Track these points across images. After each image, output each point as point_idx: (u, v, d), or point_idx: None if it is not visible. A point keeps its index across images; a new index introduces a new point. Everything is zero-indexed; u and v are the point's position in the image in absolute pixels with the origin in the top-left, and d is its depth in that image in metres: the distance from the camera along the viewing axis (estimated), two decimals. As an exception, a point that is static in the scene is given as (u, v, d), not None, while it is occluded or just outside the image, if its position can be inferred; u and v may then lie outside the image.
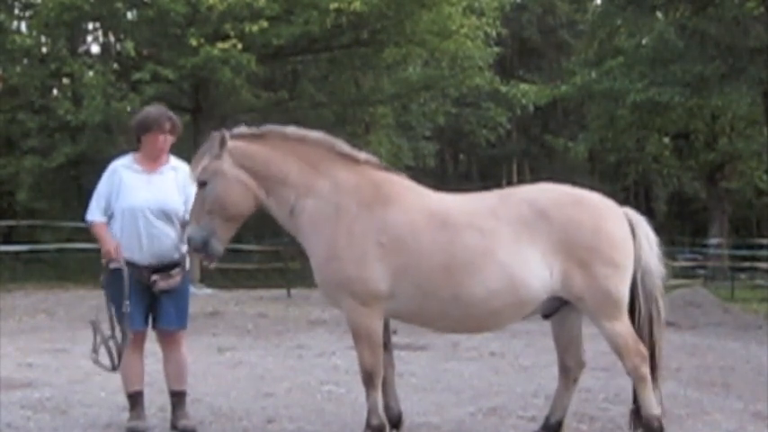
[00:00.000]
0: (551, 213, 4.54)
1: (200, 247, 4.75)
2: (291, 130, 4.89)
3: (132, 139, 5.38)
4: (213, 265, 5.02)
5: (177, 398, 5.33)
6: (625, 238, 4.63)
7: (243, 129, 4.89)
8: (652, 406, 4.60)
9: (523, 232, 4.52)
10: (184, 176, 5.21)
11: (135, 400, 5.24)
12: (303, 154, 4.79)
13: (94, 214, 5.16)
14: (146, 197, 5.06)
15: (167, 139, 5.18)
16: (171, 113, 5.28)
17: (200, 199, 4.77)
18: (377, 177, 4.79)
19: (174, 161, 5.32)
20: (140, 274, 5.04)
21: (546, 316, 4.82)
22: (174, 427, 5.26)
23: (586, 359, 5.00)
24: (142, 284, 5.05)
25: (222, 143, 4.74)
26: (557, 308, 4.72)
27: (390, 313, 4.72)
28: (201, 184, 4.75)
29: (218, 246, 4.73)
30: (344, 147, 4.87)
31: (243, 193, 4.76)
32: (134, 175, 5.16)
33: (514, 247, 4.50)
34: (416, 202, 4.71)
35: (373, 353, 4.67)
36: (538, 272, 4.49)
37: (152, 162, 5.21)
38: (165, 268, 5.10)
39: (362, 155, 4.87)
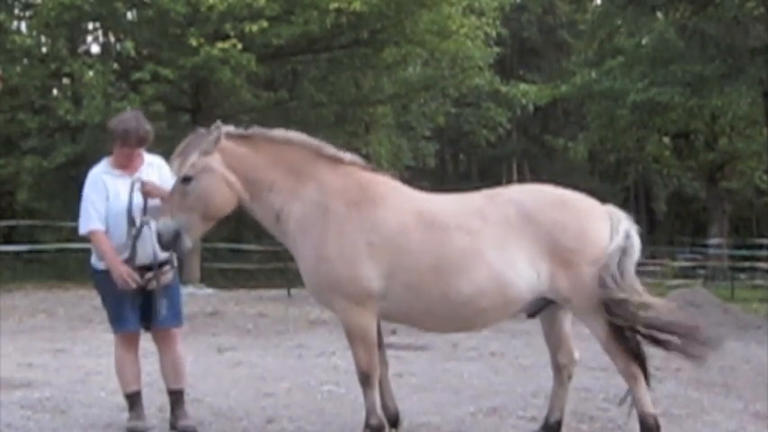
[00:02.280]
0: (537, 216, 4.57)
1: (171, 242, 4.70)
2: (277, 133, 4.88)
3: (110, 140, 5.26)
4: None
5: (176, 397, 5.32)
6: (609, 237, 4.64)
7: (231, 128, 4.86)
8: (647, 404, 4.61)
9: (510, 234, 4.55)
10: (160, 170, 5.18)
11: (133, 400, 5.23)
12: (288, 158, 4.79)
13: (93, 223, 5.03)
14: (132, 200, 5.02)
15: (134, 152, 5.11)
16: (141, 126, 5.08)
17: (180, 193, 4.70)
18: (363, 178, 4.80)
19: (148, 157, 5.26)
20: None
21: (531, 315, 4.86)
22: (173, 427, 5.26)
23: (585, 359, 5.01)
24: (136, 285, 5.01)
25: (217, 141, 4.72)
26: (541, 307, 4.76)
27: (380, 314, 4.72)
28: (186, 180, 4.69)
29: (188, 242, 4.72)
30: (330, 149, 4.87)
31: (228, 194, 4.74)
32: (115, 179, 5.09)
33: (502, 248, 4.53)
34: (404, 203, 4.73)
35: (368, 352, 4.68)
36: (525, 273, 4.52)
37: (129, 166, 5.14)
38: (155, 267, 5.08)
39: (348, 156, 4.87)
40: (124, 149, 5.07)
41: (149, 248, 5.03)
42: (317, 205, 4.69)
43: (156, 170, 5.20)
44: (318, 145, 4.86)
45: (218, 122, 4.82)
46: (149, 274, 5.03)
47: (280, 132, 4.88)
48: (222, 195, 4.72)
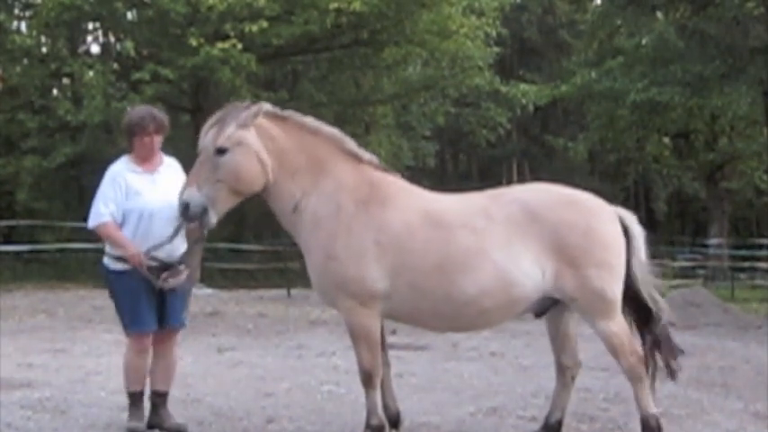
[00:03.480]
0: (543, 214, 4.56)
1: (197, 215, 4.62)
2: (309, 120, 4.86)
3: (125, 141, 5.28)
4: (202, 234, 4.91)
5: (162, 398, 5.25)
6: (617, 238, 4.63)
7: (269, 106, 4.83)
8: (649, 405, 4.60)
9: (515, 232, 4.53)
10: (177, 171, 5.19)
11: (135, 398, 5.20)
12: (313, 147, 4.77)
13: (102, 217, 4.98)
14: (156, 198, 4.99)
15: (155, 140, 5.09)
16: (155, 112, 5.16)
17: (211, 166, 4.62)
18: (374, 177, 4.80)
19: (166, 158, 5.26)
20: (151, 273, 4.95)
21: (537, 315, 4.84)
22: (161, 427, 5.18)
23: (586, 359, 5.01)
24: (153, 285, 4.97)
25: (256, 116, 4.69)
26: (547, 307, 4.74)
27: (384, 313, 4.72)
28: (220, 152, 4.62)
29: (214, 218, 4.65)
30: (351, 144, 4.86)
31: (259, 172, 4.67)
32: (138, 177, 5.06)
33: (507, 247, 4.51)
34: (412, 203, 4.72)
35: (371, 352, 4.67)
36: (530, 272, 4.50)
37: (148, 163, 5.14)
38: (172, 266, 5.05)
39: (366, 155, 4.87)
40: (145, 139, 5.04)
41: (170, 250, 5.00)
42: (331, 201, 4.68)
43: (173, 171, 5.21)
44: (343, 139, 4.85)
45: (261, 104, 4.78)
46: (165, 274, 4.98)
47: (311, 120, 4.87)
48: (254, 172, 4.65)
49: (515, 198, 4.68)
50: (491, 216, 4.59)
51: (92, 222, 5.05)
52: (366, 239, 4.57)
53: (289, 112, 4.86)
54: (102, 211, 4.98)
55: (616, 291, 4.59)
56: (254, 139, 4.65)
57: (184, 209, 4.62)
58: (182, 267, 5.07)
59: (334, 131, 4.86)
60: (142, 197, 4.99)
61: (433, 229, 4.59)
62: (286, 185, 4.73)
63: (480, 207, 4.67)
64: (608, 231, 4.61)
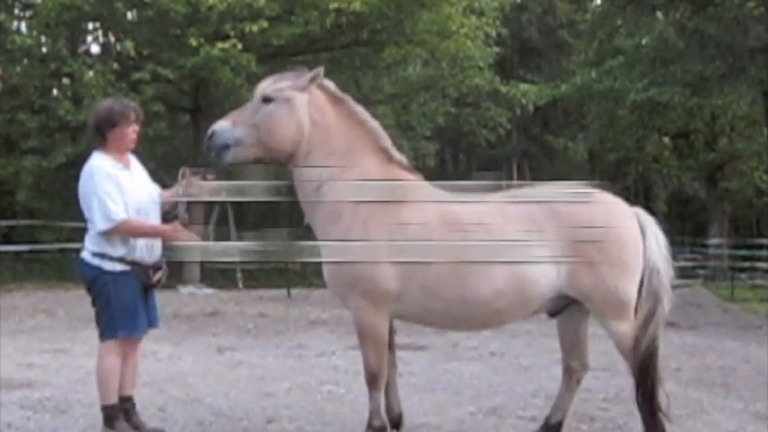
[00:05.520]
0: (561, 211, 4.52)
1: (218, 147, 4.61)
2: (361, 109, 4.87)
3: (94, 136, 5.03)
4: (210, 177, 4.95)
5: (132, 402, 5.13)
6: (635, 238, 4.57)
7: (331, 84, 4.84)
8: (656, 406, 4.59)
9: (532, 229, 4.49)
10: (142, 168, 5.14)
11: (116, 410, 4.98)
12: (355, 136, 4.77)
13: (117, 215, 4.72)
14: (143, 194, 4.92)
15: (135, 131, 4.97)
16: (132, 103, 5.12)
17: (254, 109, 4.67)
18: (397, 176, 4.78)
19: (130, 156, 5.12)
20: (146, 273, 4.91)
21: (552, 314, 4.80)
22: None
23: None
24: (144, 284, 4.94)
25: (313, 80, 4.69)
26: (563, 306, 4.68)
27: (395, 314, 4.69)
28: (266, 100, 4.65)
29: (229, 158, 4.62)
30: (387, 143, 4.86)
31: (293, 135, 4.66)
32: (122, 173, 4.88)
33: (522, 245, 4.46)
34: (429, 203, 4.70)
35: (378, 354, 4.64)
36: (545, 270, 4.46)
37: (124, 157, 4.98)
38: (160, 265, 5.03)
39: (397, 154, 4.87)
40: (127, 129, 4.91)
41: (158, 245, 5.00)
42: (353, 195, 4.66)
43: (139, 167, 5.13)
44: (381, 135, 4.85)
45: (320, 69, 4.78)
46: (160, 273, 4.98)
47: (362, 110, 4.88)
48: (287, 132, 4.65)
49: (534, 196, 4.66)
50: (508, 215, 4.56)
51: (106, 225, 4.73)
52: (381, 238, 4.55)
53: (346, 96, 4.88)
54: (114, 209, 4.71)
55: (631, 291, 4.53)
56: (302, 103, 4.67)
57: (209, 136, 4.64)
58: (164, 265, 5.06)
59: (377, 126, 4.87)
60: (132, 194, 4.85)
61: (449, 229, 4.55)
62: (318, 163, 4.71)
63: (498, 206, 4.64)
64: (626, 231, 4.56)
